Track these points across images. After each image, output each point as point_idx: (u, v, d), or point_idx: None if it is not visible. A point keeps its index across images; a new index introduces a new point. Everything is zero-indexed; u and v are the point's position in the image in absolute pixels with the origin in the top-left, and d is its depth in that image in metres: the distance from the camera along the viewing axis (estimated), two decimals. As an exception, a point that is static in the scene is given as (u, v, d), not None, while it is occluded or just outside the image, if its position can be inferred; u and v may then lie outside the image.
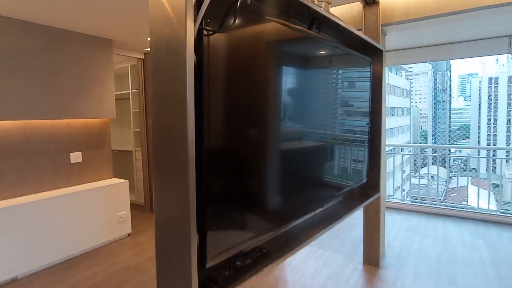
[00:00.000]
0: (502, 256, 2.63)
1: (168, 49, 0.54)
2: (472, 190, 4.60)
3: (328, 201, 1.20)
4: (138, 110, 4.15)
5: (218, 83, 0.65)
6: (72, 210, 2.76)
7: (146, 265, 2.64)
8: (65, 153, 2.94)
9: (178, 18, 0.50)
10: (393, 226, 3.41)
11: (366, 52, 1.43)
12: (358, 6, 2.43)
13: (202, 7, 0.55)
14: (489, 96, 31.25)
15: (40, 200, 2.55)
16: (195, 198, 0.54)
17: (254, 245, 0.81)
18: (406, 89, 30.70)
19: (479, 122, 32.24)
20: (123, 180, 3.24)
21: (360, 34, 1.22)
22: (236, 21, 0.64)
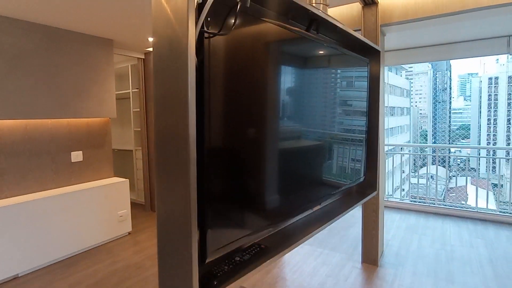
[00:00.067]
0: (500, 254, 2.65)
1: (170, 52, 0.55)
2: (472, 189, 4.62)
3: (325, 199, 1.22)
4: (138, 109, 4.17)
5: (219, 84, 0.67)
6: (73, 209, 2.78)
7: (146, 263, 2.66)
8: (66, 152, 2.96)
9: (181, 22, 0.52)
10: (392, 225, 3.43)
11: (364, 52, 1.45)
12: (357, 6, 2.45)
13: (203, 11, 0.56)
14: (489, 96, 31.25)
15: (41, 199, 2.57)
16: (196, 195, 0.56)
17: (252, 241, 0.83)
18: (406, 89, 30.71)
19: (479, 122, 32.26)
20: (124, 179, 3.26)
21: (357, 35, 1.23)
22: (235, 24, 0.65)
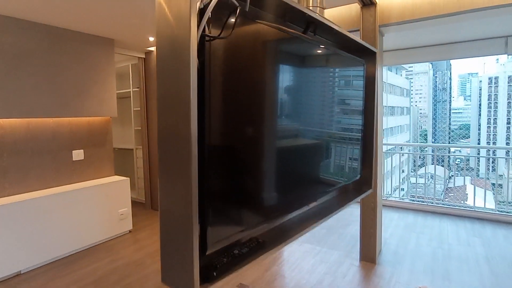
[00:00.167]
0: (496, 253, 2.68)
1: (173, 54, 0.58)
2: (471, 189, 4.65)
3: (321, 196, 1.25)
4: (139, 108, 4.19)
5: (219, 85, 0.70)
6: (74, 207, 2.81)
7: (147, 261, 2.69)
8: (68, 150, 2.99)
9: (183, 26, 0.55)
10: (390, 223, 3.46)
11: (361, 53, 1.48)
12: (356, 7, 2.48)
13: (204, 15, 0.59)
14: (489, 95, 31.26)
15: (43, 197, 2.59)
16: (197, 191, 0.59)
17: (251, 236, 0.86)
18: (406, 89, 30.72)
19: (479, 122, 32.28)
20: (124, 178, 3.29)
21: (353, 36, 1.26)
22: (235, 27, 0.68)
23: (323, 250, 2.81)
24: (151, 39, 3.35)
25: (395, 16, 2.30)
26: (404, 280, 2.27)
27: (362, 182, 1.55)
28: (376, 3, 2.34)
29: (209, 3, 0.60)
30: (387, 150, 5.25)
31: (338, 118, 1.34)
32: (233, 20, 0.68)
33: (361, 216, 2.57)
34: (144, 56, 3.99)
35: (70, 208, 2.78)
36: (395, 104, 26.17)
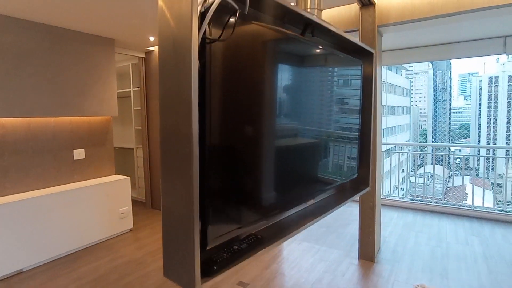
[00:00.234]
0: (494, 251, 2.70)
1: (175, 56, 0.60)
2: (470, 188, 4.66)
3: (319, 194, 1.27)
4: (139, 108, 4.21)
5: (219, 86, 0.72)
6: (75, 206, 2.83)
7: (147, 259, 2.71)
8: (68, 150, 3.01)
9: (185, 29, 0.57)
10: (389, 222, 3.48)
11: (358, 53, 1.49)
12: (355, 7, 2.49)
13: (205, 19, 0.61)
14: (489, 95, 31.29)
15: (44, 195, 2.61)
16: (198, 188, 0.61)
17: (250, 232, 0.88)
18: (406, 88, 30.74)
19: (479, 121, 32.31)
20: (125, 177, 3.31)
21: (350, 37, 1.28)
22: (235, 29, 0.70)
23: (323, 249, 2.83)
24: (152, 39, 3.36)
25: (394, 16, 2.32)
26: (403, 278, 2.29)
27: (359, 181, 1.57)
28: (375, 3, 2.36)
29: (209, 7, 0.62)
30: (387, 150, 5.26)
31: (335, 117, 1.36)
32: (233, 22, 0.70)
33: (360, 215, 2.59)
34: (144, 56, 4.01)
35: (71, 207, 2.80)
36: (395, 104, 26.19)
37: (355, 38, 1.36)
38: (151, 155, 4.14)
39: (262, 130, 0.89)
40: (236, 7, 0.68)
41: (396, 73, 27.80)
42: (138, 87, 4.18)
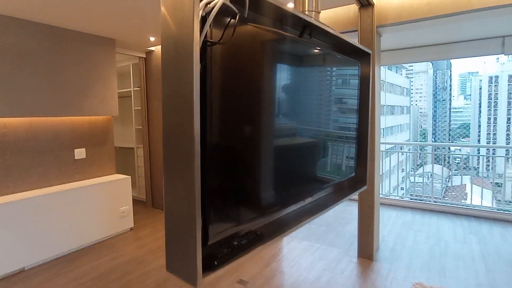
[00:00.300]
0: (492, 250, 2.73)
1: (177, 58, 0.63)
2: (469, 187, 4.68)
3: (317, 192, 1.30)
4: (139, 107, 4.23)
5: (220, 87, 0.74)
6: (76, 205, 2.85)
7: (148, 258, 2.73)
8: (70, 149, 3.03)
9: (187, 33, 0.59)
10: (388, 221, 3.50)
11: (356, 54, 1.52)
12: (354, 8, 2.51)
13: (207, 22, 0.64)
14: (489, 94, 31.29)
15: (45, 194, 2.64)
16: (200, 186, 0.63)
17: (249, 228, 0.91)
18: (406, 88, 30.74)
19: (479, 121, 32.31)
20: (125, 176, 3.33)
21: (347, 38, 1.31)
22: (234, 32, 0.72)
23: (322, 248, 2.86)
24: (152, 39, 3.38)
25: (392, 16, 2.34)
26: (401, 276, 2.31)
27: (357, 179, 1.59)
28: (374, 4, 2.38)
29: (211, 11, 0.64)
30: (387, 149, 5.28)
31: (333, 117, 1.38)
32: (233, 25, 0.72)
33: (359, 214, 2.61)
34: (144, 56, 4.03)
35: (72, 206, 2.82)
36: (395, 103, 26.19)
37: (352, 39, 1.38)
38: (152, 155, 4.17)
39: (261, 130, 0.92)
40: (236, 10, 0.71)
41: (396, 72, 27.79)
42: (139, 87, 4.20)
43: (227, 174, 0.80)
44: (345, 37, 1.28)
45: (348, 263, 2.54)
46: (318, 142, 1.27)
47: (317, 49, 1.18)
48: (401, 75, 30.30)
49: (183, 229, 0.64)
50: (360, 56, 1.55)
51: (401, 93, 28.59)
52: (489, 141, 30.37)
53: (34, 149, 2.76)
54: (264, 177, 0.94)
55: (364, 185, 1.56)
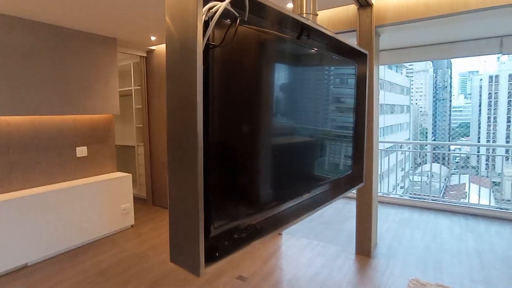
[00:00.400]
0: (487, 247, 2.77)
1: (181, 60, 0.67)
2: (468, 186, 4.71)
3: (314, 188, 1.34)
4: (140, 106, 4.26)
5: (221, 88, 0.78)
6: (78, 201, 2.89)
7: (149, 253, 2.78)
8: (72, 147, 3.07)
9: (191, 37, 0.63)
10: (386, 219, 3.54)
11: (353, 55, 1.56)
12: (353, 8, 2.54)
13: (209, 27, 0.68)
14: (490, 94, 31.29)
15: (48, 191, 2.68)
16: (202, 181, 0.67)
17: (249, 222, 0.95)
18: (406, 87, 30.74)
19: (479, 120, 32.32)
20: (126, 174, 3.37)
21: (344, 39, 1.34)
22: (235, 35, 0.76)
23: (321, 245, 2.90)
24: (153, 38, 3.42)
25: (390, 17, 2.37)
26: (398, 272, 2.36)
27: (354, 177, 1.64)
28: (372, 4, 2.41)
29: (213, 15, 0.68)
30: (387, 148, 5.32)
31: (331, 116, 1.42)
32: (234, 28, 0.76)
33: (357, 212, 2.65)
34: (145, 55, 4.06)
35: (74, 203, 2.86)
36: (395, 102, 26.20)
37: (349, 40, 1.42)
38: (152, 153, 4.20)
39: (261, 129, 0.96)
40: (237, 14, 0.74)
41: (396, 71, 27.77)
42: (139, 86, 4.23)
43: (228, 171, 0.84)
44: (342, 38, 1.31)
45: (346, 260, 2.59)
46: (316, 140, 1.31)
47: (315, 50, 1.22)
48: (401, 74, 30.27)
49: (187, 222, 0.68)
50: (357, 57, 1.59)
51: (401, 92, 28.59)
52: (489, 140, 30.40)
53: (37, 147, 2.80)
54: (263, 174, 0.98)
55: (361, 182, 1.60)
